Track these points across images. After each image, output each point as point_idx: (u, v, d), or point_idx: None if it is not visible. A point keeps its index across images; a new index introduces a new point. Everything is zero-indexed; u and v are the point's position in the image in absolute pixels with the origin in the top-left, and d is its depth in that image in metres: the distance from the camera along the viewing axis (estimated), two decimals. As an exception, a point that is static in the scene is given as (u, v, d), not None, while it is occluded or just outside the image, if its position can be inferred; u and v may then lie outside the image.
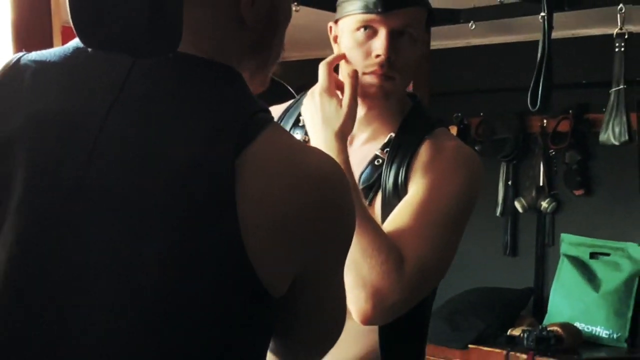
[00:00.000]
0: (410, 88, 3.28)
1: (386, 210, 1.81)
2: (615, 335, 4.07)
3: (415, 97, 1.99)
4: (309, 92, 1.84)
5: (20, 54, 1.14)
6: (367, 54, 1.81)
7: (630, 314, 4.08)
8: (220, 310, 1.04)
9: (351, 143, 1.90)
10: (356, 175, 1.85)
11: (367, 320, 1.71)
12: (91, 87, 1.09)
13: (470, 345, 4.08)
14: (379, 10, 1.79)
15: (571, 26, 3.93)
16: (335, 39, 1.89)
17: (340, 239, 1.13)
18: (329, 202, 1.08)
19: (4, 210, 1.06)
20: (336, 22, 1.89)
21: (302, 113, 1.86)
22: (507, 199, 4.63)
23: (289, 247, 1.05)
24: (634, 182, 4.16)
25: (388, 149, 1.87)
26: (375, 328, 1.80)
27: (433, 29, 3.53)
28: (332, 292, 1.20)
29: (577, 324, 4.10)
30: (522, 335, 3.97)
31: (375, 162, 1.87)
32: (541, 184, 4.48)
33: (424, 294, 1.78)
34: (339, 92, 1.80)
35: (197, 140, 1.03)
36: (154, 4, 1.04)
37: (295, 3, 2.91)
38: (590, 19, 3.77)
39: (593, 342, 4.09)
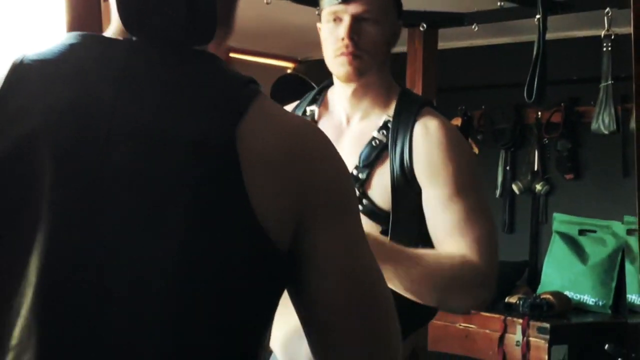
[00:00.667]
0: (417, 87, 3.38)
1: (397, 190, 1.85)
2: (600, 303, 4.07)
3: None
4: None
5: (22, 54, 1.08)
6: (336, 40, 1.88)
7: (614, 284, 4.07)
8: (234, 267, 1.01)
9: (348, 123, 1.95)
10: (356, 154, 1.90)
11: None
12: (94, 79, 1.05)
13: (472, 311, 3.93)
14: (341, 0, 1.86)
15: (563, 28, 3.89)
16: None
17: (330, 177, 1.08)
18: (316, 147, 1.08)
19: (36, 202, 1.00)
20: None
21: None
22: (506, 182, 4.62)
23: (287, 190, 1.02)
24: (618, 167, 4.15)
25: (384, 131, 1.90)
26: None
27: (440, 31, 3.55)
28: (341, 247, 1.06)
29: (566, 293, 4.08)
30: (518, 302, 3.97)
31: (373, 143, 1.90)
32: (536, 168, 4.49)
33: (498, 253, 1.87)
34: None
35: (200, 118, 1.02)
36: (190, 1, 1.04)
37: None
38: (580, 21, 3.76)
39: (581, 308, 4.08)
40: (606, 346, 2.99)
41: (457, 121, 4.66)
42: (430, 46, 3.50)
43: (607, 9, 3.14)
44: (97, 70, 1.06)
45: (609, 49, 3.55)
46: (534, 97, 2.78)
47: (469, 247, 1.80)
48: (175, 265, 0.99)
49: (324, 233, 1.05)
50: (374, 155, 1.90)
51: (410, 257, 1.75)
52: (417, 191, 1.86)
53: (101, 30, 1.84)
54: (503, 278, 4.12)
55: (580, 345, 3.82)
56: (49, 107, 1.03)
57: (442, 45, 3.62)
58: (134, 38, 1.07)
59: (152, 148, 1.01)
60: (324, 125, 1.96)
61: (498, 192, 4.65)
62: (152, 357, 0.99)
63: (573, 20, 3.63)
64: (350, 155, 1.89)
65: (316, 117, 2.00)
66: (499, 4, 3.14)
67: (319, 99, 2.03)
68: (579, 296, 4.12)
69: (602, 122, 3.88)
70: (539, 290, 4.21)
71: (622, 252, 4.12)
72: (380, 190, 1.88)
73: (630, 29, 1.91)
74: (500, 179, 4.65)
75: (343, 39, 1.86)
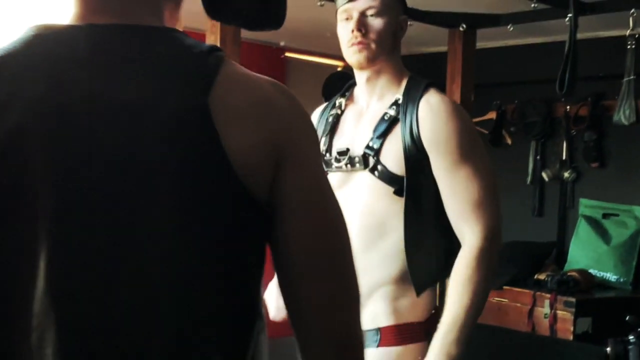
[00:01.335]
0: (457, 84, 3.41)
1: (409, 156, 1.97)
2: (622, 280, 4.08)
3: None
4: None
5: None
6: (348, 33, 2.03)
7: (634, 263, 4.09)
8: (225, 227, 0.99)
9: (367, 107, 2.10)
10: (372, 129, 2.04)
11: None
12: (66, 66, 0.99)
13: (504, 287, 4.06)
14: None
15: (590, 29, 3.84)
16: None
17: (298, 125, 1.06)
18: (282, 95, 1.06)
19: (33, 194, 0.96)
20: None
21: None
22: (536, 171, 4.62)
23: (262, 142, 1.00)
24: (639, 156, 4.19)
25: (395, 107, 2.02)
26: (403, 249, 1.96)
27: (478, 32, 3.53)
28: (307, 182, 1.04)
29: (591, 271, 4.09)
30: (546, 279, 3.99)
31: (385, 117, 2.03)
32: (564, 158, 4.51)
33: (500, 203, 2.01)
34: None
35: (174, 90, 0.98)
36: None
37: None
38: (606, 23, 3.73)
39: (604, 285, 4.09)
40: (627, 317, 3.04)
41: (492, 114, 4.70)
42: (469, 45, 3.49)
43: (632, 10, 3.15)
44: (66, 56, 1.00)
45: (633, 47, 3.53)
46: (565, 89, 2.80)
47: (474, 211, 1.96)
48: (171, 235, 0.98)
49: (292, 171, 1.03)
50: (386, 127, 2.02)
51: (454, 321, 1.94)
52: (426, 156, 1.99)
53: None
54: (533, 257, 4.36)
55: (603, 317, 3.84)
56: (28, 100, 0.97)
57: (479, 45, 3.60)
58: (94, 23, 1.02)
59: (133, 125, 0.97)
60: (350, 112, 2.13)
61: (529, 179, 4.67)
62: (158, 314, 0.98)
63: (599, 21, 3.62)
64: (368, 130, 2.05)
65: (343, 106, 2.16)
66: (532, 5, 3.13)
67: (347, 93, 2.19)
68: (602, 274, 4.13)
69: (624, 113, 3.84)
70: (566, 268, 4.23)
71: (642, 234, 4.17)
72: (392, 156, 2.00)
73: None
74: (531, 167, 4.67)
75: (353, 31, 2.01)
